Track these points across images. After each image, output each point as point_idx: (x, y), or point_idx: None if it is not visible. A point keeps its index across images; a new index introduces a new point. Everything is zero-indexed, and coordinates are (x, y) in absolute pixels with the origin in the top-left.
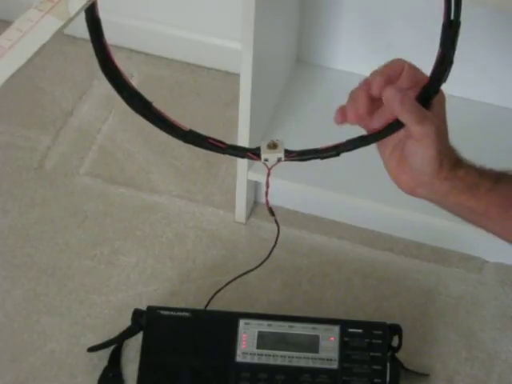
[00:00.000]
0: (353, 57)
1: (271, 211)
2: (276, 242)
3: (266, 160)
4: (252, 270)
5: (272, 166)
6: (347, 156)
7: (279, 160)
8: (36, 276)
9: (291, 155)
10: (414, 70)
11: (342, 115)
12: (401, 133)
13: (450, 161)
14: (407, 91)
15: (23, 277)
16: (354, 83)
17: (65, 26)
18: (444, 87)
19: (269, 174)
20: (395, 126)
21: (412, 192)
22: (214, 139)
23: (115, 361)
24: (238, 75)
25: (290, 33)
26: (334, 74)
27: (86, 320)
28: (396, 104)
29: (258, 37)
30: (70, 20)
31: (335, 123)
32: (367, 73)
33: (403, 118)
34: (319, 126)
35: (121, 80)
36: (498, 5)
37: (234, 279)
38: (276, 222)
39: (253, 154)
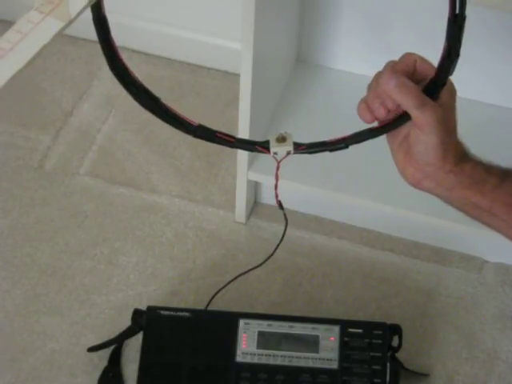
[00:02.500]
0: (353, 57)
1: (280, 205)
2: (283, 237)
3: (276, 153)
4: (255, 268)
5: (281, 159)
6: (347, 156)
7: (288, 153)
8: (36, 276)
9: (300, 148)
10: (426, 63)
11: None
12: (409, 124)
13: (456, 154)
14: (405, 78)
15: (23, 277)
16: (354, 83)
17: (65, 27)
18: None
19: (278, 167)
20: (403, 118)
21: (418, 184)
22: (222, 133)
23: (115, 361)
24: (238, 75)
25: (290, 33)
26: (334, 74)
27: (86, 320)
28: (394, 89)
29: (258, 37)
30: (71, 22)
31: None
32: (367, 73)
33: (403, 103)
34: (319, 126)
35: (128, 76)
36: (498, 5)
37: (235, 278)
38: (285, 215)
39: (262, 147)
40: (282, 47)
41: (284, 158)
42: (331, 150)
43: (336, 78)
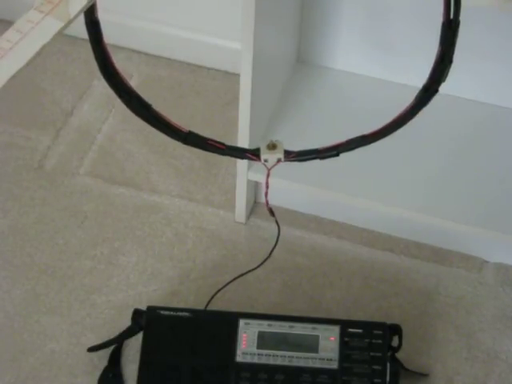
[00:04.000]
0: (353, 57)
1: (271, 212)
2: (276, 243)
3: (266, 161)
4: (252, 270)
5: (272, 167)
6: (347, 156)
7: (279, 160)
8: (36, 276)
9: (291, 156)
10: None
11: None
12: None
13: None
14: None
15: (23, 277)
16: (354, 83)
17: (65, 27)
18: (443, 86)
19: (268, 175)
20: (394, 126)
21: None
22: (213, 140)
23: (115, 361)
24: (238, 75)
25: (290, 33)
26: (333, 74)
27: (86, 320)
28: None
29: (257, 37)
30: (70, 22)
31: None
32: (367, 73)
33: None
34: (319, 126)
35: (120, 83)
36: (498, 5)
37: (234, 279)
38: (276, 222)
39: (252, 154)
40: (282, 47)
41: (275, 165)
42: (322, 158)
43: (336, 78)
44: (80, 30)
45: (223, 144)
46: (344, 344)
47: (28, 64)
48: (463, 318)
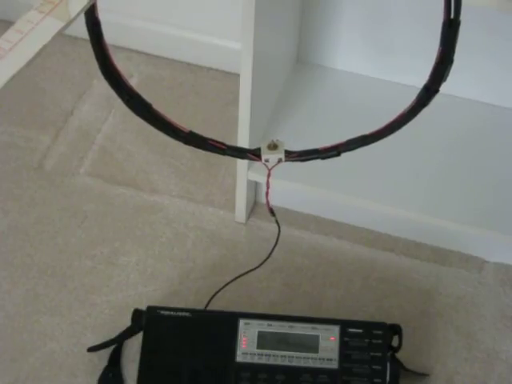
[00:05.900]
0: (353, 57)
1: (272, 212)
2: (277, 242)
3: (267, 161)
4: (252, 270)
5: (272, 167)
6: (347, 156)
7: (280, 161)
8: (36, 276)
9: (292, 156)
10: None
11: None
12: None
13: None
14: None
15: (23, 277)
16: (354, 83)
17: (65, 27)
18: (443, 86)
19: (269, 175)
20: (395, 126)
21: None
22: (214, 140)
23: (115, 361)
24: (237, 75)
25: (290, 33)
26: (334, 74)
27: (86, 320)
28: None
29: (257, 37)
30: (71, 22)
31: None
32: (367, 73)
33: None
34: (319, 126)
35: (121, 82)
36: (498, 5)
37: (234, 279)
38: (277, 222)
39: (253, 154)
40: (281, 47)
41: (275, 165)
42: (323, 158)
43: (336, 78)
44: (80, 29)
45: (224, 144)
46: (344, 344)
47: (28, 64)
48: (463, 317)
